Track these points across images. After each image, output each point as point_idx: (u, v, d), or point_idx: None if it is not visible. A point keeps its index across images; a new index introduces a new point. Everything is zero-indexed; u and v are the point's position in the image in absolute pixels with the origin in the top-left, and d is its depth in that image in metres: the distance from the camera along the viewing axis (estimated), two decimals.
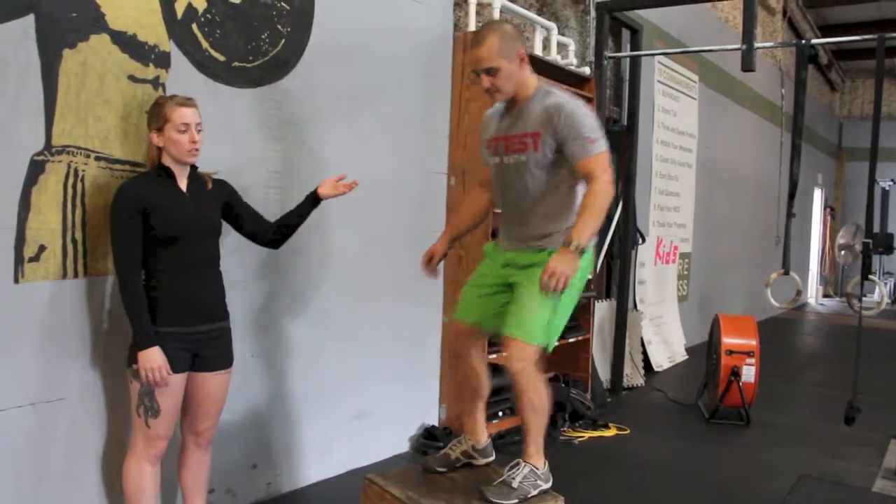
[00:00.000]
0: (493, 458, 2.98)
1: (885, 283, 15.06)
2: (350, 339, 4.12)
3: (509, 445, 4.57)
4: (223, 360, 2.96)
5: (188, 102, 2.80)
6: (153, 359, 2.68)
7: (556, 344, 4.88)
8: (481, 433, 2.96)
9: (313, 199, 3.22)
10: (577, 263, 2.51)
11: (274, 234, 3.18)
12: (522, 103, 2.70)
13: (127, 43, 2.97)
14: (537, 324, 2.62)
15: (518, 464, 2.69)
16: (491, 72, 2.61)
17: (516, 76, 2.65)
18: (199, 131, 2.81)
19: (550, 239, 2.69)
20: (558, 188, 2.69)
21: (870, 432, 5.24)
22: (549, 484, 2.70)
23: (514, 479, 2.64)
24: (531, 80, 2.71)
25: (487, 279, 2.88)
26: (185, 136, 2.76)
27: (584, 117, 2.60)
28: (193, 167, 2.90)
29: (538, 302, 2.60)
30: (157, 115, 2.77)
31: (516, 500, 2.59)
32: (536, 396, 2.66)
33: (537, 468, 2.69)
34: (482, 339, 2.98)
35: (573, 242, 2.50)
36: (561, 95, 2.68)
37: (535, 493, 2.63)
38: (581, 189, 2.71)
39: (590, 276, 2.85)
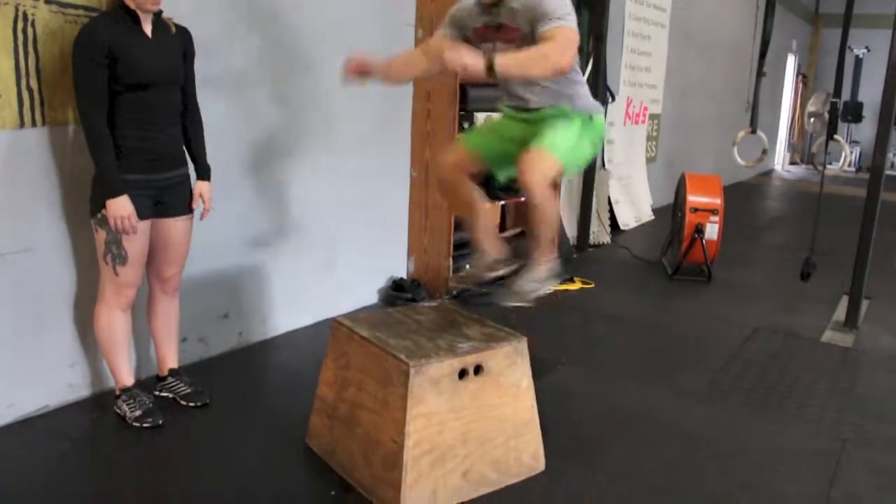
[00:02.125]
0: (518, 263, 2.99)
1: (851, 151, 15.22)
2: (318, 192, 4.12)
3: (475, 297, 4.69)
4: (184, 205, 2.97)
5: None
6: (124, 206, 2.68)
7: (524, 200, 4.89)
8: (498, 247, 3.05)
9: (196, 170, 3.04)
10: (476, 63, 2.43)
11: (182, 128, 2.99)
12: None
13: None
14: (562, 144, 2.66)
15: (535, 262, 2.78)
16: None
17: None
18: None
19: (563, 102, 2.71)
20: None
21: (823, 289, 5.44)
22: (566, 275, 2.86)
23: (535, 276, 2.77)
24: None
25: (505, 128, 2.90)
26: None
27: (557, 3, 2.55)
28: (157, 12, 2.80)
29: (562, 132, 2.66)
30: None
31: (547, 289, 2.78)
32: (550, 209, 2.72)
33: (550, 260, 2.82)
34: (471, 173, 2.98)
35: (492, 62, 2.43)
36: None
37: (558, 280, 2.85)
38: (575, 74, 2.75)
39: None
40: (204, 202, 3.05)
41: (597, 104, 2.84)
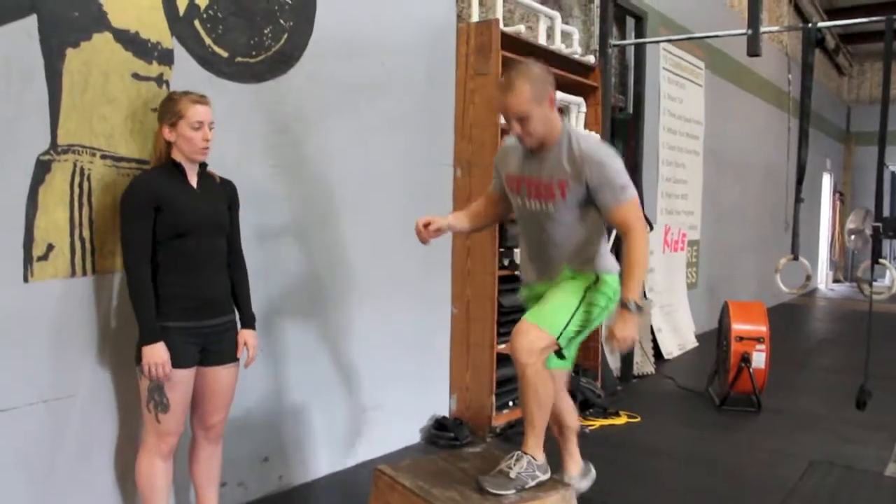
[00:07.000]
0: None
1: None
2: (359, 332, 4.13)
3: (520, 435, 4.58)
4: (231, 353, 2.97)
5: (203, 100, 2.80)
6: (157, 354, 2.69)
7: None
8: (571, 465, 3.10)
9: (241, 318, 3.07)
10: (636, 321, 2.57)
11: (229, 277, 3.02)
12: (548, 146, 2.67)
13: (130, 41, 2.97)
14: (557, 319, 2.64)
15: (517, 455, 2.69)
16: (523, 119, 2.58)
17: (547, 120, 2.62)
18: (211, 129, 2.82)
19: (584, 265, 2.75)
20: (584, 228, 2.72)
21: (882, 416, 5.23)
22: (547, 475, 2.71)
23: (511, 469, 2.64)
24: (557, 121, 2.67)
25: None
26: (199, 133, 2.77)
27: (614, 165, 2.60)
28: (203, 164, 2.91)
29: (563, 302, 2.67)
30: (171, 111, 2.77)
31: (513, 491, 2.58)
32: (543, 390, 2.66)
33: (535, 459, 2.69)
34: (557, 376, 2.97)
35: (630, 302, 2.57)
36: (588, 142, 2.67)
37: (532, 483, 2.63)
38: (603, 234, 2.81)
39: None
40: (249, 351, 3.07)
41: (613, 265, 2.83)
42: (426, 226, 2.93)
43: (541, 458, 2.70)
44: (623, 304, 2.58)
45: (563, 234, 2.72)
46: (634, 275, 2.58)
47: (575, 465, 3.09)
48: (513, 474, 2.61)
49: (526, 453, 2.68)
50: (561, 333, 2.65)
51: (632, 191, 2.62)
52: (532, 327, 2.63)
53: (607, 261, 2.81)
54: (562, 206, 2.66)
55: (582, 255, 2.74)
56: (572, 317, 2.67)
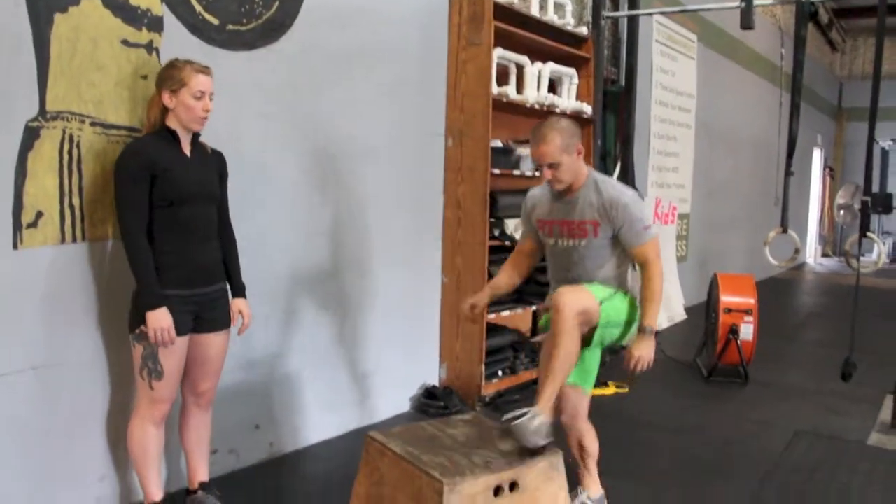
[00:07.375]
0: None
1: (884, 243, 15.07)
2: (350, 300, 4.15)
3: (508, 404, 4.63)
4: (223, 320, 2.99)
5: (206, 71, 2.81)
6: (162, 318, 2.71)
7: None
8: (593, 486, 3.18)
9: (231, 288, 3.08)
10: (653, 344, 2.86)
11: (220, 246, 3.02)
12: (575, 190, 2.95)
13: (119, 7, 2.95)
14: (603, 293, 2.87)
15: (532, 413, 2.60)
16: (554, 166, 2.85)
17: (574, 168, 2.90)
18: (211, 100, 2.82)
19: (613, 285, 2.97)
20: (614, 257, 2.96)
21: (866, 388, 5.30)
22: (549, 441, 2.63)
23: (530, 425, 2.56)
24: (583, 168, 2.96)
25: None
26: (200, 103, 2.78)
27: (638, 208, 2.89)
28: (196, 134, 2.90)
29: (604, 288, 2.89)
30: (174, 78, 2.76)
31: (543, 441, 2.56)
32: (573, 346, 2.75)
33: (541, 413, 2.62)
34: (580, 404, 3.13)
35: (647, 328, 2.84)
36: (614, 186, 2.94)
37: (542, 443, 2.57)
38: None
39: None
40: (244, 318, 3.09)
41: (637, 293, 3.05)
42: (471, 309, 3.20)
43: (549, 416, 2.66)
44: (642, 329, 2.86)
45: (593, 264, 2.96)
46: (654, 303, 2.85)
47: (595, 486, 3.20)
48: (533, 427, 2.55)
49: (541, 413, 2.62)
50: (603, 301, 2.82)
51: (654, 230, 2.91)
52: (579, 288, 2.83)
53: (634, 289, 3.03)
54: (593, 241, 2.93)
55: (610, 280, 2.97)
56: (613, 296, 2.89)
